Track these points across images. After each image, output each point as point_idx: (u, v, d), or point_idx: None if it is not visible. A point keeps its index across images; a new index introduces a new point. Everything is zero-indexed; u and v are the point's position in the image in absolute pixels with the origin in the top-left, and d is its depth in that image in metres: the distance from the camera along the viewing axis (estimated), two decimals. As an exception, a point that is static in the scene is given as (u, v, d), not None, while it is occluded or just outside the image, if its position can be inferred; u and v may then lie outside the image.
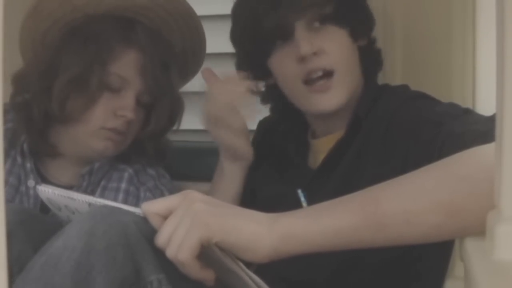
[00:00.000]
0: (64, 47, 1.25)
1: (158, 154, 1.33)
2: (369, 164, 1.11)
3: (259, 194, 1.26)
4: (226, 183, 1.23)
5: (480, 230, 0.65)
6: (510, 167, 0.58)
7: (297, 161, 1.23)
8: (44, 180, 1.29)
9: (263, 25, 1.14)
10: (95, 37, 1.24)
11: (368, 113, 1.15)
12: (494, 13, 0.60)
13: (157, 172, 1.33)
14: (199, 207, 0.79)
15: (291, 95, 1.18)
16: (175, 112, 1.31)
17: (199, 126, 1.59)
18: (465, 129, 0.93)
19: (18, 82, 1.27)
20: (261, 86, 1.19)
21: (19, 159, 1.29)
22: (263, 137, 1.25)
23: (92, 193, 1.27)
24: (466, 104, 1.19)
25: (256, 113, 1.20)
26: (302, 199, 1.15)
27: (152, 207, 0.83)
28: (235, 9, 1.22)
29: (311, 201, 1.11)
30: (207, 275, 0.82)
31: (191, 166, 1.50)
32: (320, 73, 1.13)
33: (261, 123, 1.34)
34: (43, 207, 1.10)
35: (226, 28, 1.23)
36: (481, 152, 0.78)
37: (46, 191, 0.97)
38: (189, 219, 0.78)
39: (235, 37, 1.23)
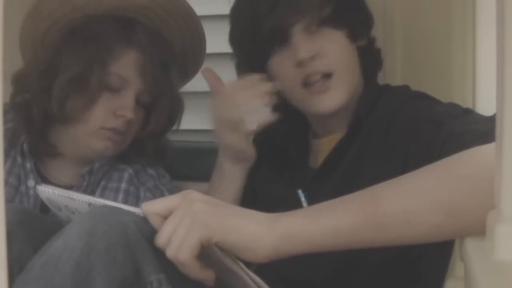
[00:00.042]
0: (64, 47, 1.25)
1: (158, 154, 1.33)
2: (370, 164, 1.11)
3: (260, 194, 1.26)
4: (226, 183, 1.23)
5: (480, 230, 0.65)
6: (510, 167, 0.58)
7: (298, 161, 1.23)
8: (44, 180, 1.29)
9: (261, 29, 1.13)
10: (95, 37, 1.24)
11: (369, 113, 1.15)
12: (494, 13, 0.60)
13: (157, 172, 1.33)
14: (199, 207, 0.79)
15: (290, 97, 1.17)
16: (175, 112, 1.31)
17: (199, 126, 1.59)
18: (465, 129, 0.93)
19: (18, 82, 1.27)
20: (279, 86, 1.16)
21: (19, 159, 1.29)
22: (264, 137, 1.25)
23: (92, 193, 1.27)
24: (466, 104, 1.19)
25: (270, 117, 1.17)
26: (303, 199, 1.15)
27: (152, 207, 0.83)
28: (233, 12, 1.22)
29: (311, 201, 1.11)
30: (207, 275, 0.82)
31: (191, 166, 1.50)
32: (318, 77, 1.13)
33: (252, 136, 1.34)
34: (43, 207, 1.10)
35: (226, 28, 1.23)
36: (481, 152, 0.78)
37: (46, 191, 0.97)
38: (189, 219, 0.78)
39: (234, 39, 1.23)
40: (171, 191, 1.29)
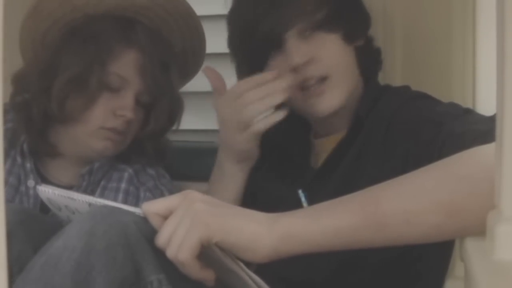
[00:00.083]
0: (64, 47, 1.25)
1: (158, 154, 1.33)
2: (370, 164, 1.11)
3: (260, 195, 1.26)
4: (227, 183, 1.21)
5: (480, 230, 0.65)
6: (510, 167, 0.58)
7: (299, 161, 1.23)
8: (44, 180, 1.29)
9: (255, 35, 1.13)
10: (95, 37, 1.24)
11: (369, 113, 1.15)
12: (494, 13, 0.60)
13: (157, 172, 1.33)
14: (199, 207, 0.79)
15: (288, 101, 1.17)
16: (174, 112, 1.30)
17: (199, 126, 1.59)
18: (465, 129, 0.93)
19: (18, 82, 1.27)
20: (289, 81, 1.12)
21: (19, 159, 1.29)
22: (265, 137, 1.24)
23: (92, 193, 1.27)
24: (466, 104, 1.19)
25: (280, 115, 1.13)
26: (303, 199, 1.15)
27: (152, 207, 0.83)
28: (229, 16, 1.22)
29: (311, 201, 1.11)
30: (207, 275, 0.82)
31: (191, 166, 1.50)
32: (314, 81, 1.13)
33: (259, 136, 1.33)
34: (43, 207, 1.10)
35: (226, 28, 1.23)
36: (481, 152, 0.78)
37: (46, 191, 0.97)
38: (189, 219, 0.78)
39: (231, 44, 1.22)
40: (171, 191, 1.29)
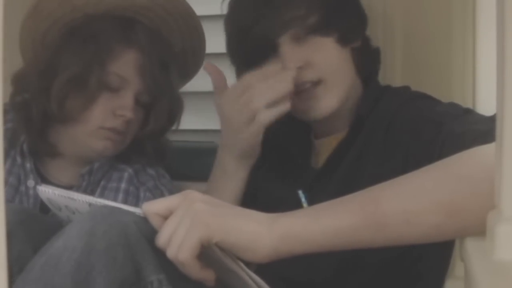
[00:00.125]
0: (64, 47, 1.25)
1: (158, 154, 1.33)
2: (370, 164, 1.11)
3: (260, 195, 1.25)
4: (227, 182, 1.20)
5: (480, 230, 0.65)
6: (510, 167, 0.58)
7: (300, 162, 1.23)
8: (44, 180, 1.29)
9: (249, 41, 1.13)
10: (95, 36, 1.24)
11: (370, 114, 1.14)
12: (494, 13, 0.60)
13: (157, 172, 1.33)
14: (199, 207, 0.80)
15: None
16: (174, 111, 1.30)
17: (199, 126, 1.59)
18: (465, 129, 0.93)
19: (18, 82, 1.27)
20: (294, 73, 1.10)
21: (18, 159, 1.28)
22: (266, 137, 1.24)
23: (92, 193, 1.27)
24: (466, 104, 1.19)
25: (286, 107, 1.11)
26: (303, 200, 1.15)
27: (152, 207, 0.83)
28: (225, 22, 1.22)
29: (312, 201, 1.11)
30: (207, 275, 0.82)
31: (191, 166, 1.50)
32: (308, 85, 1.12)
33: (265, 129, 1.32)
34: (43, 207, 1.10)
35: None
36: (481, 152, 0.78)
37: (46, 191, 0.97)
38: (189, 219, 0.79)
39: (228, 48, 1.23)
40: (171, 191, 1.29)
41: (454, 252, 1.16)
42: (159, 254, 0.82)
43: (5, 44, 0.49)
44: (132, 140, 1.29)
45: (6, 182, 1.25)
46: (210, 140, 1.28)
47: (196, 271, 0.80)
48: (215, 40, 1.32)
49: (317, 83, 1.12)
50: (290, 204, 0.99)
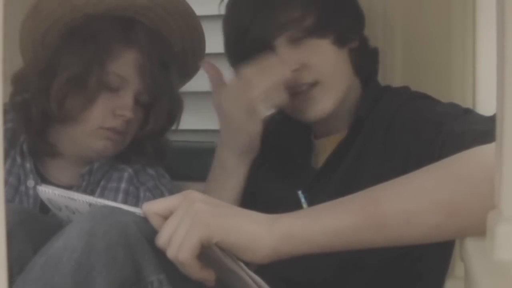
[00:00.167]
0: (64, 47, 1.25)
1: (158, 154, 1.33)
2: (370, 165, 1.11)
3: (260, 195, 1.25)
4: (227, 180, 1.19)
5: (480, 230, 0.65)
6: (510, 167, 0.58)
7: (300, 162, 1.23)
8: (44, 180, 1.29)
9: (245, 43, 1.13)
10: (94, 36, 1.24)
11: (370, 114, 1.14)
12: (494, 13, 0.60)
13: (157, 172, 1.33)
14: (199, 207, 0.80)
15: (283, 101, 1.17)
16: (174, 111, 1.30)
17: (199, 126, 1.59)
18: (465, 129, 0.93)
19: (18, 82, 1.27)
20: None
21: (18, 159, 1.28)
22: (266, 137, 1.24)
23: (91, 193, 1.27)
24: (466, 104, 1.20)
25: (284, 98, 1.12)
26: (303, 200, 1.15)
27: (152, 207, 0.83)
28: (223, 24, 1.22)
29: (312, 202, 1.11)
30: (207, 275, 0.82)
31: (191, 166, 1.50)
32: (305, 87, 1.12)
33: (264, 122, 1.33)
34: (43, 207, 1.10)
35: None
36: (481, 152, 0.78)
37: (46, 192, 0.97)
38: (189, 219, 0.79)
39: (226, 50, 1.23)
40: (171, 191, 1.29)
41: (454, 252, 1.16)
42: (159, 254, 0.82)
43: (5, 44, 0.49)
44: (132, 140, 1.29)
45: (6, 182, 1.25)
46: (210, 140, 1.27)
47: (196, 271, 0.80)
48: (215, 40, 1.32)
49: (313, 84, 1.12)
50: (290, 204, 0.99)
